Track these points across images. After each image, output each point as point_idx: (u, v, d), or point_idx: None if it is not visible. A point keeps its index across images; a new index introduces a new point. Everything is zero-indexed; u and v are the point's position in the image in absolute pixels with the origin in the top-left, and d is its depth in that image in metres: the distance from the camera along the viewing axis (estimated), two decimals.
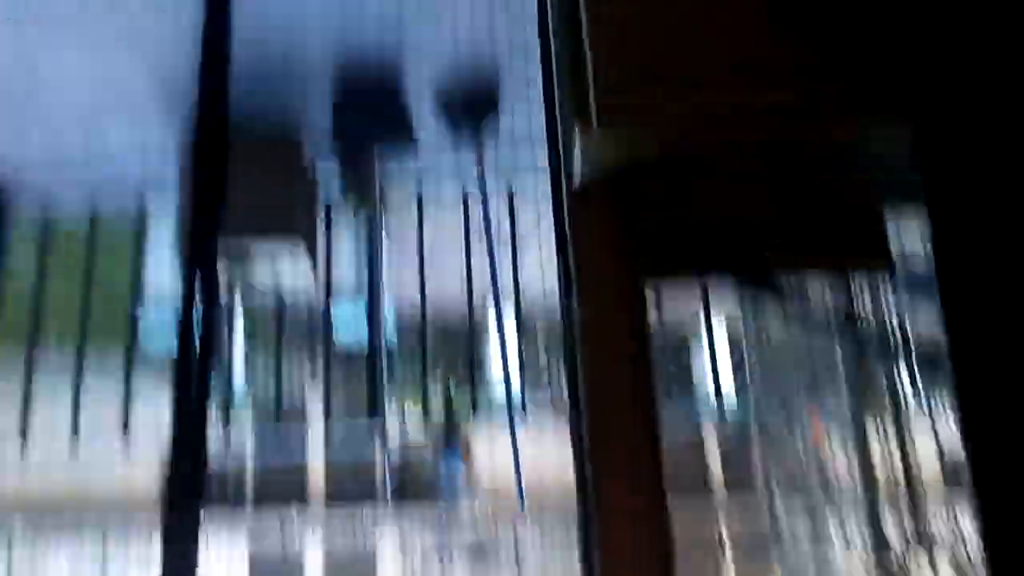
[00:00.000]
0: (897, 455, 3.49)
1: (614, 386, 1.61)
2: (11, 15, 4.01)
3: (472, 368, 8.05)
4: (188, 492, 1.72)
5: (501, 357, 5.51)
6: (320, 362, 12.06)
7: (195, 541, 1.61)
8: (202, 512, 1.63)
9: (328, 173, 5.41)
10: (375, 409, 5.23)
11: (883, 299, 3.50)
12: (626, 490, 1.50)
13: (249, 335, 11.05)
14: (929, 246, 1.63)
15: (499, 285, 5.49)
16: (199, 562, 1.59)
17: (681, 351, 12.83)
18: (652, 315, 1.74)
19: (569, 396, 1.80)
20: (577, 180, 1.73)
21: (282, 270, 5.11)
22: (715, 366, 6.42)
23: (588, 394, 1.62)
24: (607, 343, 1.64)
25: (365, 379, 6.14)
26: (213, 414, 6.22)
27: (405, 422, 10.56)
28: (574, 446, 1.72)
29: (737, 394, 10.97)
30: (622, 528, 1.48)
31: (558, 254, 1.85)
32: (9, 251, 6.01)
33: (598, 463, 1.53)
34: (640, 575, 1.46)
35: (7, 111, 4.80)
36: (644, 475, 1.52)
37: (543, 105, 1.99)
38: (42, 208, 5.85)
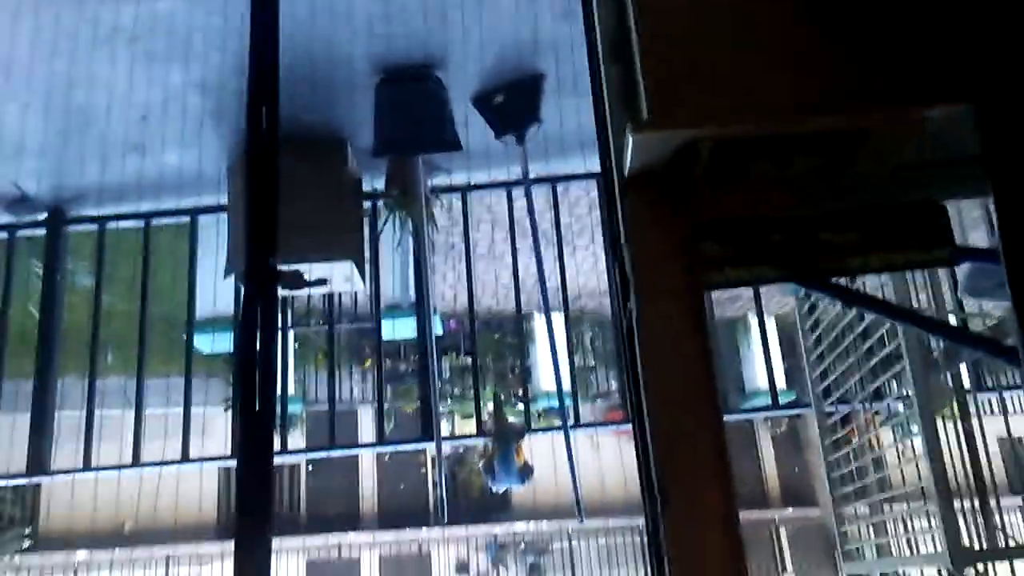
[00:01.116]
0: (965, 451, 3.40)
1: (678, 387, 1.58)
2: (68, 36, 4.11)
3: (524, 377, 8.06)
4: (258, 510, 1.74)
5: (552, 364, 5.49)
6: (372, 378, 12.13)
7: (267, 558, 1.62)
8: (272, 527, 1.64)
9: (375, 182, 5.46)
10: (428, 430, 5.24)
11: (945, 291, 3.42)
12: (697, 495, 1.47)
13: (301, 355, 11.17)
14: (996, 235, 1.58)
15: (547, 291, 5.46)
16: (271, 571, 1.61)
17: (731, 345, 12.68)
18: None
19: (629, 401, 1.76)
20: (628, 176, 1.71)
21: (332, 286, 5.16)
22: (768, 361, 6.33)
23: (651, 396, 1.59)
24: (668, 341, 1.62)
25: (418, 396, 6.16)
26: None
27: (457, 437, 10.57)
28: (638, 452, 1.69)
29: (790, 389, 10.80)
30: (695, 535, 1.46)
31: (611, 255, 1.82)
32: (67, 272, 6.16)
33: (666, 468, 1.51)
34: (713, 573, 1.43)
35: (64, 132, 4.94)
36: (714, 478, 1.49)
37: (592, 102, 1.96)
38: (99, 229, 5.98)
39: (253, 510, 1.74)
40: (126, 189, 5.50)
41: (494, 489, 6.00)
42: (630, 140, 1.62)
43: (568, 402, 5.83)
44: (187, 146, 5.04)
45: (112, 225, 6.01)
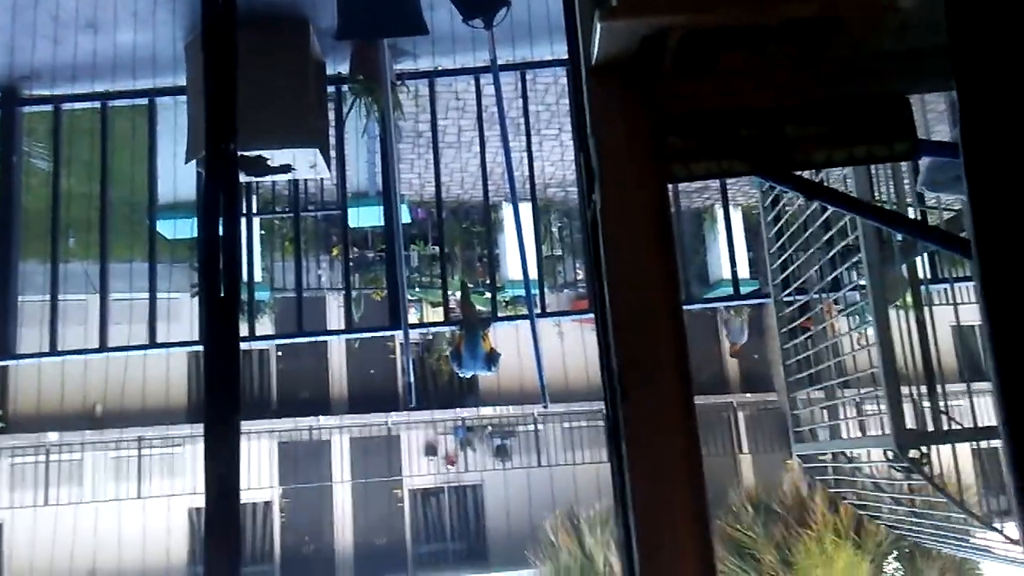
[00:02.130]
0: (916, 340, 3.52)
1: (639, 279, 1.61)
2: None
3: (492, 266, 8.10)
4: (226, 394, 1.76)
5: (519, 253, 5.52)
6: (340, 266, 12.12)
7: (236, 442, 1.65)
8: (240, 410, 1.67)
9: (339, 67, 5.30)
10: (396, 318, 5.27)
11: (905, 183, 3.46)
12: (655, 386, 1.52)
13: (268, 242, 11.09)
14: (957, 129, 1.59)
15: (514, 180, 5.43)
16: (240, 454, 1.65)
17: (698, 235, 12.80)
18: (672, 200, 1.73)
19: (592, 291, 1.79)
20: (594, 65, 1.69)
21: (297, 173, 5.08)
22: (732, 251, 6.42)
23: (612, 287, 1.62)
24: (631, 232, 1.63)
25: (385, 284, 6.17)
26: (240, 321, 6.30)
27: (425, 324, 10.69)
28: (600, 343, 1.73)
29: (754, 279, 11.00)
30: (652, 426, 1.51)
31: (577, 144, 1.82)
32: (23, 154, 5.99)
33: (625, 360, 1.55)
34: (669, 472, 1.49)
35: (13, 7, 4.71)
36: (672, 370, 1.54)
37: None
38: (54, 110, 5.79)
39: (221, 394, 1.76)
40: (82, 69, 5.29)
41: (461, 375, 6.13)
42: (598, 28, 1.59)
43: (534, 291, 5.90)
44: (143, 23, 4.83)
45: (69, 107, 5.83)
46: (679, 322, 1.59)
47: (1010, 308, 1.41)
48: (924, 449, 3.06)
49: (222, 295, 1.81)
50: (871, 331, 3.64)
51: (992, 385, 1.42)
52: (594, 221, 1.76)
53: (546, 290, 6.61)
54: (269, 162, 4.71)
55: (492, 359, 5.69)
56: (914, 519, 3.97)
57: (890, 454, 3.14)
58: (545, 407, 6.28)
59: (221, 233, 1.87)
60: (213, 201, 1.89)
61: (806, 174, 2.08)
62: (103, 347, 5.49)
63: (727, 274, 9.26)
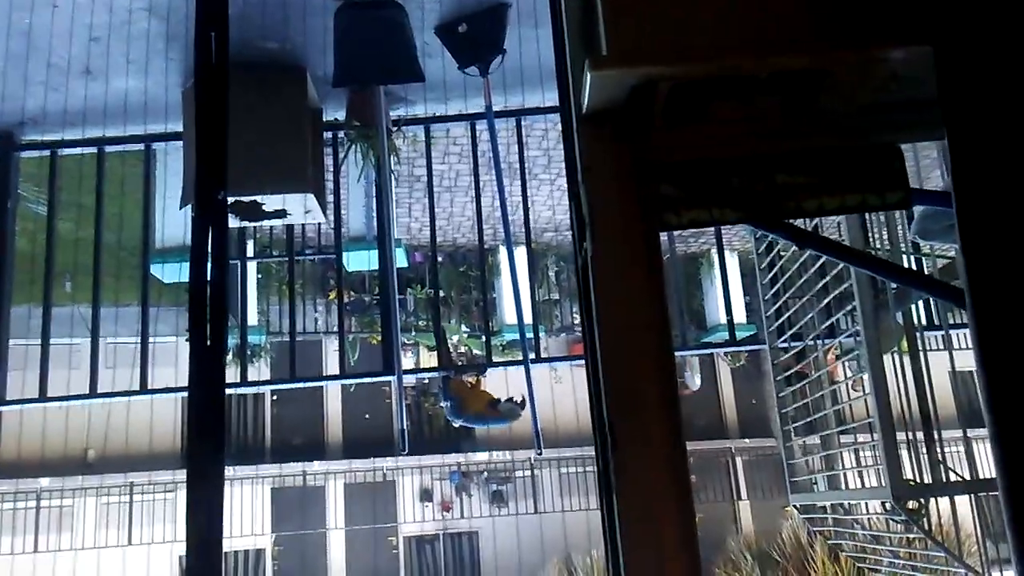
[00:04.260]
0: (912, 388, 3.49)
1: (629, 327, 1.59)
2: None
3: (488, 310, 8.08)
4: (210, 440, 1.74)
5: (514, 298, 5.49)
6: (335, 311, 12.07)
7: (219, 490, 1.62)
8: (224, 459, 1.64)
9: (336, 113, 5.34)
10: (390, 363, 5.23)
11: (899, 232, 3.46)
12: (644, 434, 1.50)
13: (264, 285, 11.08)
14: (948, 177, 1.59)
15: (509, 224, 5.43)
16: (223, 505, 1.62)
17: (694, 280, 12.78)
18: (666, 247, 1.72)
19: (585, 334, 1.78)
20: (585, 113, 1.69)
21: (292, 219, 5.09)
22: (727, 296, 6.40)
23: (603, 335, 1.60)
24: (621, 281, 1.62)
25: (380, 330, 6.13)
26: (230, 362, 6.26)
27: (419, 369, 10.63)
28: (590, 390, 1.71)
29: (751, 324, 10.97)
30: (641, 473, 1.48)
31: (569, 191, 1.82)
32: (19, 199, 6.00)
33: (616, 407, 1.53)
34: (659, 516, 1.46)
35: (10, 55, 4.75)
36: (662, 418, 1.52)
37: (552, 36, 1.92)
38: (51, 155, 5.82)
39: (205, 442, 1.74)
40: (79, 114, 5.33)
41: (455, 424, 6.01)
42: (588, 77, 1.59)
43: (529, 335, 5.86)
44: (141, 71, 4.87)
45: (69, 152, 5.86)
46: (670, 368, 1.58)
47: (1005, 355, 1.39)
48: (922, 500, 3.01)
49: (209, 343, 1.80)
50: (867, 378, 3.61)
51: (989, 433, 1.40)
52: (585, 268, 1.76)
53: (542, 334, 6.58)
54: (264, 207, 4.72)
55: (489, 415, 5.39)
56: (912, 572, 3.91)
57: (887, 505, 3.10)
58: (539, 454, 6.16)
59: (209, 278, 1.86)
60: (202, 249, 1.88)
61: (801, 222, 2.08)
62: (92, 392, 5.43)
63: (724, 318, 9.25)
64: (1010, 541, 1.35)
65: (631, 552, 1.43)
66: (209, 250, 1.83)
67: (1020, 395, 1.38)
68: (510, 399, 5.43)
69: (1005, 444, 1.35)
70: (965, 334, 5.52)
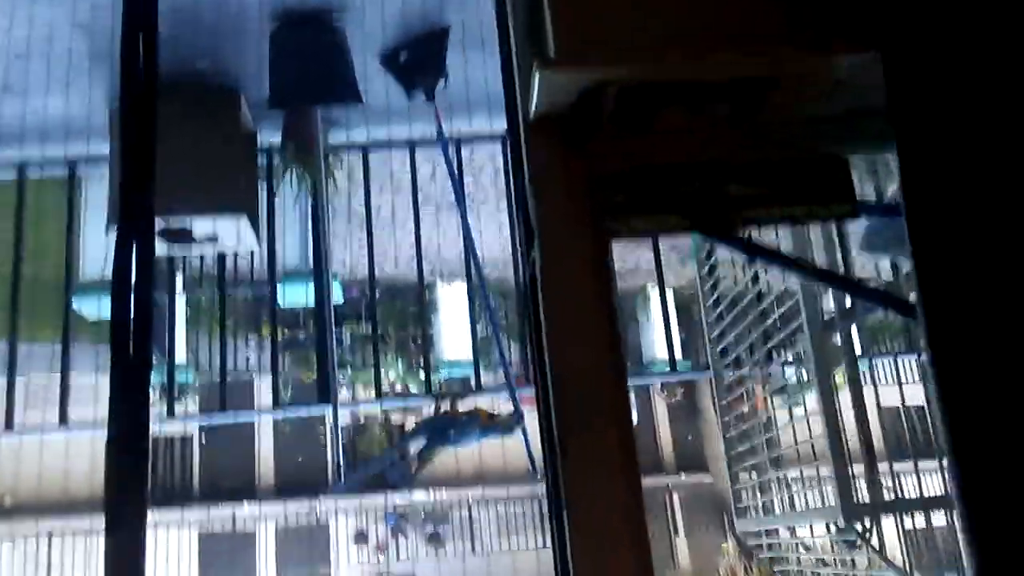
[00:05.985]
0: (855, 415, 3.50)
1: (579, 334, 1.54)
2: None
3: (425, 345, 7.95)
4: (131, 480, 1.60)
5: (455, 333, 5.42)
6: (267, 348, 11.79)
7: (141, 530, 1.49)
8: (147, 501, 1.51)
9: (270, 138, 5.20)
10: (325, 394, 5.08)
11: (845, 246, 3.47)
12: (595, 441, 1.43)
13: (194, 322, 10.75)
14: (897, 188, 1.58)
15: (474, 247, 5.33)
16: (145, 550, 1.49)
17: (631, 318, 12.82)
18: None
19: (531, 348, 1.71)
20: (533, 118, 1.65)
21: (224, 246, 4.92)
22: (668, 328, 6.42)
23: (553, 343, 1.54)
24: (571, 288, 1.57)
25: (315, 363, 5.96)
26: (156, 401, 6.00)
27: (357, 405, 10.40)
28: (538, 401, 1.64)
29: (686, 360, 11.02)
30: (592, 482, 1.42)
31: (517, 201, 1.76)
32: None
33: (566, 415, 1.46)
34: (610, 529, 1.40)
35: None
36: (613, 424, 1.46)
37: (498, 42, 1.88)
38: None
39: (125, 482, 1.60)
40: (4, 135, 5.09)
41: (392, 459, 5.86)
42: (536, 78, 1.55)
43: (470, 371, 5.78)
44: (62, 88, 4.67)
45: None
46: (621, 375, 1.53)
47: (957, 363, 1.37)
48: (868, 523, 3.00)
49: (130, 372, 1.64)
50: (808, 403, 3.62)
51: (944, 441, 1.37)
52: (533, 278, 1.70)
53: (482, 370, 6.49)
54: (194, 233, 4.56)
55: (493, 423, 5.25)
56: None
57: (837, 525, 3.08)
58: (539, 478, 5.94)
59: (132, 310, 1.70)
60: (124, 275, 1.72)
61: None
62: (8, 427, 5.15)
63: (661, 353, 9.27)
64: (964, 550, 1.32)
65: (581, 563, 1.36)
66: (133, 275, 1.69)
67: (973, 403, 1.36)
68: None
69: (959, 452, 1.33)
70: (910, 363, 5.59)
